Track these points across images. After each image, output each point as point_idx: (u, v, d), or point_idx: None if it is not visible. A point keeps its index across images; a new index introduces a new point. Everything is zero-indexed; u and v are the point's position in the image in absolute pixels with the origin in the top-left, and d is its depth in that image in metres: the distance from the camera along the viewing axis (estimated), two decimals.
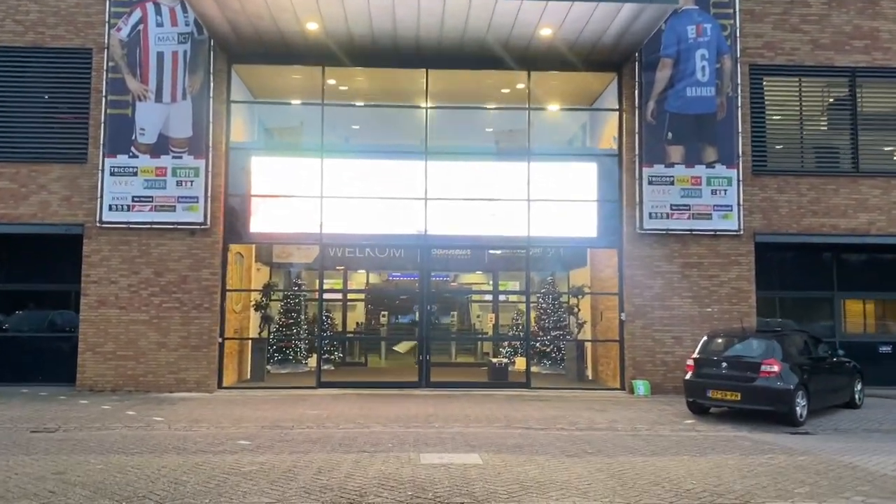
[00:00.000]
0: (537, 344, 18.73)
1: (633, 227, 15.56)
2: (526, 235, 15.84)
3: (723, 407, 12.13)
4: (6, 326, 15.91)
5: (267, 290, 17.46)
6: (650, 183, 15.60)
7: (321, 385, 15.36)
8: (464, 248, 18.76)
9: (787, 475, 7.94)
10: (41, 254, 15.77)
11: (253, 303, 17.27)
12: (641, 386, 15.12)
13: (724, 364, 11.79)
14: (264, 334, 18.20)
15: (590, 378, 17.90)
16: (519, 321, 21.31)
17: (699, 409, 12.38)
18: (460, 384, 15.89)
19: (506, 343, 20.82)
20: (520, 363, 19.24)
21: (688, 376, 12.32)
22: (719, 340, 12.50)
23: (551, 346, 19.32)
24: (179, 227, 14.94)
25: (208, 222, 14.97)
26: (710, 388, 11.77)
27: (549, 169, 16.14)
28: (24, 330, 15.93)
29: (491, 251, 20.61)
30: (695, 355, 12.37)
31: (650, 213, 15.54)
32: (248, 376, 16.84)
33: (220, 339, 15.07)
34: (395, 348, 24.11)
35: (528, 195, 15.84)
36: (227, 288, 15.43)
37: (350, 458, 8.28)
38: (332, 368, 20.42)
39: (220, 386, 15.07)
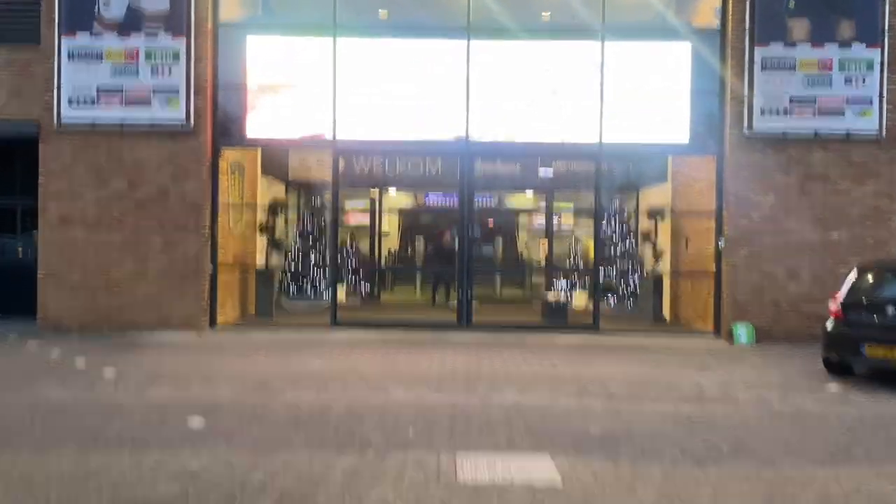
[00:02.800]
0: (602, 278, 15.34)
1: (740, 127, 11.88)
2: (597, 142, 12.28)
3: (881, 366, 8.70)
4: None
5: (273, 207, 14.25)
6: (764, 68, 11.81)
7: (337, 324, 12.33)
8: (516, 159, 15.31)
9: None
10: None
11: (258, 224, 14.20)
12: (744, 332, 11.75)
13: (894, 309, 8.31)
14: (275, 263, 15.23)
15: (667, 320, 14.57)
16: (577, 250, 17.99)
17: (839, 369, 8.99)
18: (509, 326, 12.72)
19: (561, 276, 17.54)
20: (579, 300, 16.00)
21: (830, 326, 8.90)
22: (881, 277, 8.99)
23: (618, 281, 15.97)
24: (157, 126, 11.79)
25: (191, 121, 11.78)
26: (867, 342, 8.34)
27: (628, 51, 12.44)
28: None
29: (543, 168, 17.15)
30: (842, 298, 8.89)
31: (763, 109, 11.81)
32: (255, 312, 13.95)
33: (210, 268, 12.09)
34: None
35: (600, 87, 12.22)
36: (220, 204, 12.33)
37: (343, 466, 5.16)
38: (357, 304, 17.50)
39: (212, 324, 12.18)
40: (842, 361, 8.85)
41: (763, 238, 11.88)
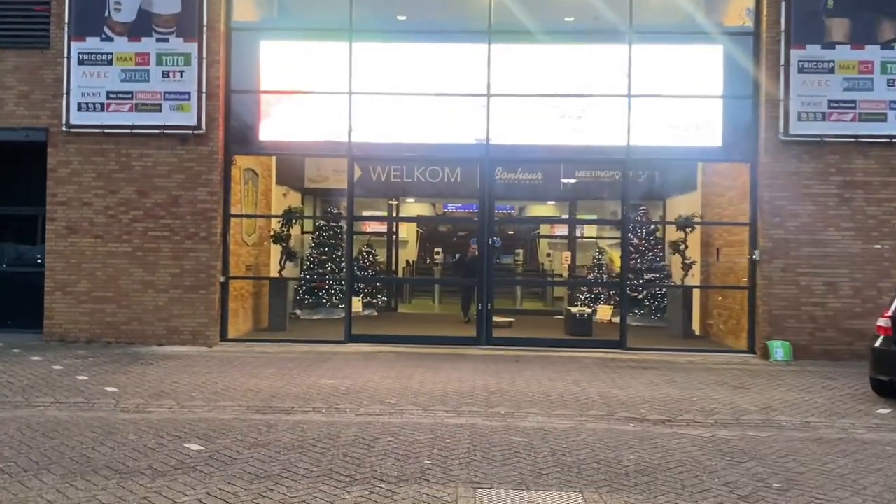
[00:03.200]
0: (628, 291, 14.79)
1: (775, 132, 11.28)
2: (624, 145, 11.73)
3: None
4: None
5: (288, 216, 13.88)
6: (801, 71, 11.20)
7: (351, 339, 11.85)
8: (538, 165, 14.85)
9: None
10: None
11: (272, 234, 13.80)
12: (780, 348, 11.11)
13: None
14: (289, 272, 14.83)
15: (697, 334, 13.93)
16: (602, 261, 17.46)
17: (890, 390, 8.34)
18: (531, 341, 12.15)
19: (584, 288, 16.99)
20: (603, 313, 15.47)
21: (878, 343, 8.26)
22: None
23: (644, 293, 15.38)
24: (167, 132, 11.43)
25: (203, 126, 11.41)
26: None
27: (657, 54, 11.88)
28: None
29: (566, 175, 16.68)
30: (891, 313, 8.25)
31: (800, 114, 11.20)
32: (267, 325, 13.52)
33: (221, 279, 11.68)
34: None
35: (628, 91, 11.69)
36: (232, 213, 11.93)
37: (349, 502, 4.66)
38: (375, 314, 17.08)
39: (223, 338, 11.75)
40: (893, 382, 8.20)
41: (800, 249, 11.24)
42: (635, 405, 7.75)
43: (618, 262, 18.27)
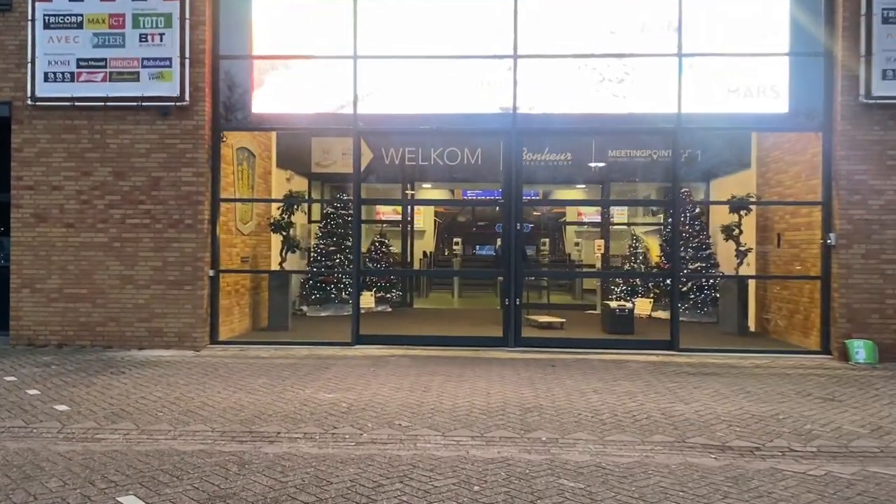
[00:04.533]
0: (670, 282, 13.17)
1: (854, 94, 9.56)
2: (674, 112, 10.07)
3: None
4: None
5: (289, 201, 12.34)
6: (886, 21, 9.47)
7: (360, 341, 10.32)
8: (572, 136, 13.29)
9: None
10: None
11: (271, 221, 12.29)
12: (861, 349, 9.42)
13: None
14: (294, 264, 13.38)
15: (751, 330, 12.27)
16: (638, 249, 15.81)
17: None
18: (566, 342, 10.55)
19: (618, 280, 15.38)
20: (641, 307, 13.83)
21: None
22: None
23: (690, 285, 13.71)
24: (146, 104, 9.95)
25: (187, 97, 9.91)
26: None
27: (711, 5, 10.18)
28: None
29: (597, 162, 15.12)
30: None
31: (885, 72, 9.48)
32: (267, 324, 12.05)
33: (210, 272, 10.19)
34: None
35: (678, 47, 10.02)
36: (222, 197, 10.44)
37: None
38: (389, 310, 15.58)
39: (213, 340, 10.27)
40: None
41: (885, 232, 9.54)
42: (709, 426, 6.14)
43: (655, 251, 16.67)
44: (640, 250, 15.79)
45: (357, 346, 10.16)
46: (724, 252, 13.19)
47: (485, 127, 10.59)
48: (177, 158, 10.00)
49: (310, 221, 16.29)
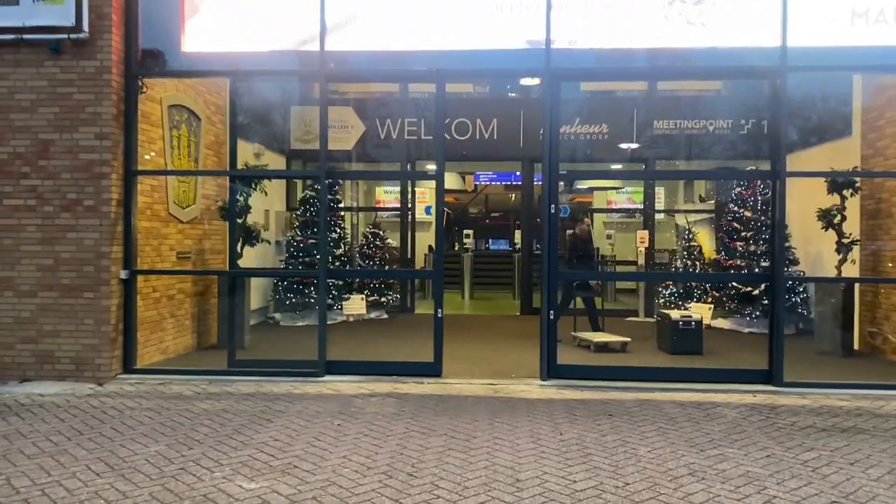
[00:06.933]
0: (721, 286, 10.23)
1: None
2: (776, 46, 7.05)
3: None
4: None
5: (233, 173, 9.00)
6: None
7: (330, 369, 7.38)
8: (633, 76, 10.30)
9: None
10: None
11: (219, 205, 9.35)
12: None
13: None
14: (257, 261, 10.52)
15: (855, 348, 9.27)
16: (692, 242, 12.87)
17: None
18: (617, 371, 7.56)
19: (664, 283, 12.45)
20: (698, 312, 10.74)
21: None
22: None
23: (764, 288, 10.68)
24: (29, 37, 7.06)
25: (86, 27, 7.02)
26: None
27: None
28: None
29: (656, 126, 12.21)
30: None
31: None
32: (216, 340, 9.17)
33: (122, 274, 7.30)
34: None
35: None
36: (138, 169, 7.52)
37: None
38: (385, 316, 12.73)
39: (127, 367, 7.38)
40: None
41: None
42: None
43: (706, 245, 13.69)
44: (695, 244, 12.79)
45: (325, 378, 7.23)
46: (829, 246, 9.95)
47: (508, 66, 7.57)
48: (73, 114, 7.11)
49: (289, 209, 13.40)
